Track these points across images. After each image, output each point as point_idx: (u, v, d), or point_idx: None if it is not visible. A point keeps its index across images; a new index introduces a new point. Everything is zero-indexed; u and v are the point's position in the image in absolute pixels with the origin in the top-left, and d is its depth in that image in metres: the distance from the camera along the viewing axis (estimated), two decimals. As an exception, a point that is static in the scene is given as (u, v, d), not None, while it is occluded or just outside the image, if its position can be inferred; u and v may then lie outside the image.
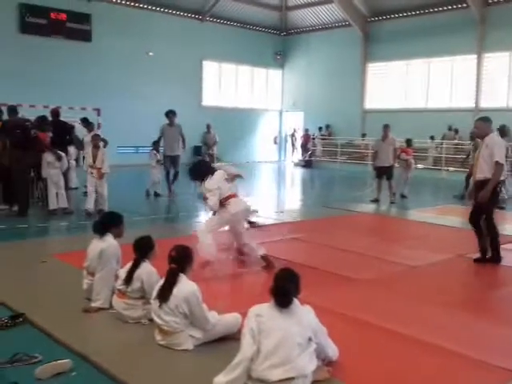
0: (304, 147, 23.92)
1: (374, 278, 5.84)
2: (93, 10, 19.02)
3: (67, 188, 10.15)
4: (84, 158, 10.85)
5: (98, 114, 17.96)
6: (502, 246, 6.66)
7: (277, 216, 10.11)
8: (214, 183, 5.75)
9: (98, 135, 9.83)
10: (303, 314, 3.25)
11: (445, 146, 19.11)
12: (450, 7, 19.65)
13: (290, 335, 3.07)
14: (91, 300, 4.49)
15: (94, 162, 9.26)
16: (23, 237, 7.63)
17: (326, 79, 23.77)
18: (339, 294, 5.26)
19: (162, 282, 3.85)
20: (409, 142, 13.51)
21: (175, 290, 3.72)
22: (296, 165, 24.10)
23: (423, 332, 4.19)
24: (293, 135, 26.00)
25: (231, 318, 3.93)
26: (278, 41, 25.67)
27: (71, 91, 17.84)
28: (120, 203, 9.39)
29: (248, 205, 6.10)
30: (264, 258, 5.98)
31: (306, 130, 24.20)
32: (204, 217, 7.49)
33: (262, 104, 25.90)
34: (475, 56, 19.27)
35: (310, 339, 3.17)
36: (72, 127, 11.85)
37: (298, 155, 25.23)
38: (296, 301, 3.23)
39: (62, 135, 10.28)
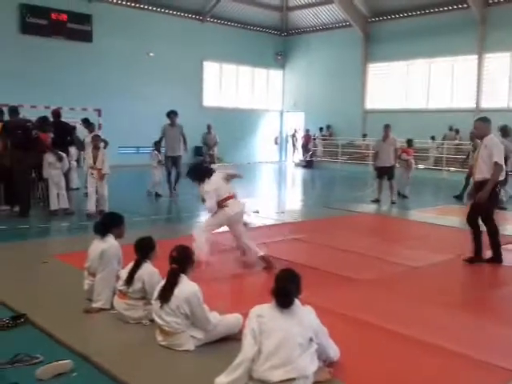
0: (305, 148, 23.92)
1: (374, 278, 5.84)
2: (93, 11, 19.04)
3: (68, 189, 10.15)
4: (84, 158, 10.85)
5: (99, 115, 17.97)
6: (502, 246, 6.66)
7: (278, 216, 10.11)
8: (212, 185, 5.81)
9: (98, 136, 9.83)
10: (304, 314, 3.25)
11: (446, 146, 19.12)
12: (450, 7, 19.64)
13: (291, 336, 3.07)
14: (92, 301, 4.49)
15: (95, 162, 9.26)
16: (24, 237, 7.63)
17: (326, 79, 23.77)
18: (340, 295, 5.26)
19: (163, 282, 3.85)
20: (409, 142, 13.53)
21: (176, 291, 3.73)
22: (297, 165, 24.10)
23: (424, 332, 4.18)
24: (293, 136, 26.00)
25: (232, 319, 3.93)
26: (278, 41, 25.68)
27: (72, 92, 17.86)
28: (121, 204, 9.40)
29: (244, 206, 6.12)
30: (263, 258, 5.99)
31: (307, 131, 24.21)
32: (204, 217, 7.50)
33: (263, 104, 25.90)
34: (476, 56, 19.26)
35: (311, 340, 3.16)
36: (73, 128, 11.87)
37: (298, 156, 25.23)
38: (297, 301, 3.23)
39: (63, 136, 10.28)
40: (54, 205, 9.35)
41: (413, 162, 13.60)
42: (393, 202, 11.82)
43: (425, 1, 20.04)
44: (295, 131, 25.95)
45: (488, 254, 6.62)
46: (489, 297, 5.58)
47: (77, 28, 18.75)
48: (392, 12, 21.46)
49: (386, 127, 12.06)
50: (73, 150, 11.22)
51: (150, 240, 4.42)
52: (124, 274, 4.29)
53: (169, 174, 12.04)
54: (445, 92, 20.32)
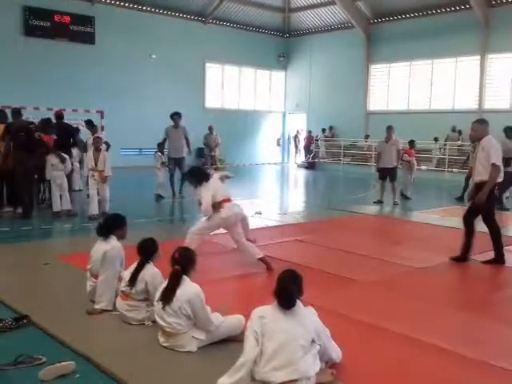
0: (307, 149, 23.93)
1: (377, 279, 5.84)
2: (96, 13, 19.09)
3: (71, 190, 10.18)
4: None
5: (102, 117, 18.02)
6: (505, 247, 6.66)
7: (280, 218, 10.11)
8: (209, 189, 5.87)
9: (99, 137, 9.84)
10: (306, 315, 3.25)
11: (448, 147, 19.09)
12: (453, 8, 19.62)
13: (293, 337, 3.07)
14: (95, 302, 4.50)
15: (96, 164, 9.26)
16: (27, 239, 7.65)
17: (329, 81, 23.77)
18: (342, 296, 5.26)
19: (165, 283, 3.86)
20: (411, 143, 13.52)
21: (178, 292, 3.73)
22: (299, 166, 24.12)
23: (426, 333, 4.18)
24: (296, 137, 26.01)
25: (234, 320, 3.93)
26: (280, 42, 25.69)
27: (75, 93, 17.92)
28: (123, 205, 9.41)
29: (240, 209, 6.16)
30: (262, 260, 6.00)
31: (309, 132, 24.21)
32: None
33: (265, 106, 25.91)
34: (478, 57, 19.24)
35: (313, 341, 3.16)
36: (76, 129, 11.92)
37: (301, 157, 25.24)
38: (299, 302, 3.23)
39: (65, 137, 10.32)
40: (56, 206, 9.37)
41: (415, 163, 13.60)
42: (395, 203, 11.82)
43: (427, 2, 20.02)
44: (297, 132, 25.95)
45: (490, 254, 6.61)
46: (490, 298, 5.57)
47: (79, 30, 18.82)
48: (394, 13, 21.45)
49: (389, 128, 12.07)
50: (75, 151, 11.26)
51: (153, 242, 4.43)
52: (127, 275, 4.30)
53: (171, 175, 12.05)
54: (447, 93, 20.29)
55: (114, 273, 4.53)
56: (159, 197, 11.84)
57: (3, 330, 4.06)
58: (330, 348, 3.41)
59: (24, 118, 10.29)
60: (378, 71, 22.71)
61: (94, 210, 9.19)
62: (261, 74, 25.44)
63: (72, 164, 10.21)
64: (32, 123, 9.92)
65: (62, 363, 3.42)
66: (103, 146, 9.79)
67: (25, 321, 4.20)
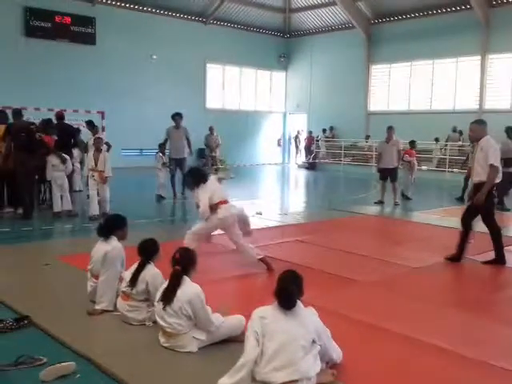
0: (308, 149, 23.93)
1: (377, 279, 5.85)
2: (97, 14, 19.10)
3: (71, 191, 10.19)
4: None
5: (103, 117, 18.04)
6: (505, 247, 6.66)
7: (281, 218, 10.11)
8: (206, 190, 5.90)
9: (100, 138, 9.85)
10: (307, 315, 3.25)
11: (449, 147, 19.09)
12: (453, 9, 19.62)
13: (294, 338, 3.07)
14: (95, 302, 4.50)
15: (96, 164, 9.26)
16: (28, 239, 7.65)
17: (329, 81, 23.77)
18: (343, 296, 5.26)
19: (165, 284, 3.86)
20: (412, 143, 13.52)
21: (179, 292, 3.74)
22: (300, 167, 24.12)
23: (427, 334, 4.18)
24: (296, 137, 26.01)
25: (235, 320, 3.93)
26: (281, 43, 25.69)
27: (76, 94, 17.93)
28: (124, 206, 9.41)
29: (237, 210, 6.17)
30: (262, 261, 6.02)
31: (310, 132, 24.21)
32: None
33: (266, 106, 25.92)
34: (479, 57, 19.23)
35: (313, 341, 3.16)
36: (77, 130, 11.93)
37: (301, 157, 25.24)
38: (299, 303, 3.23)
39: (66, 138, 10.32)
40: (57, 207, 9.38)
41: (416, 163, 13.60)
42: (396, 204, 11.82)
43: (428, 2, 20.02)
44: (298, 133, 25.95)
45: (491, 255, 6.61)
46: (491, 298, 5.57)
47: (80, 31, 18.83)
48: (395, 13, 21.44)
49: (389, 129, 12.07)
50: (76, 152, 11.27)
51: (154, 242, 4.43)
52: (127, 275, 4.31)
53: (173, 176, 12.05)
54: (448, 93, 20.29)
55: (115, 273, 4.53)
56: (160, 197, 11.84)
57: (4, 331, 4.07)
58: (330, 348, 3.41)
59: (25, 118, 10.31)
60: (378, 71, 22.71)
61: (94, 210, 9.20)
62: (261, 75, 25.45)
63: (73, 164, 10.22)
64: (33, 124, 9.93)
65: (63, 364, 3.42)
66: (104, 147, 9.79)
67: (25, 321, 4.21)
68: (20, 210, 9.26)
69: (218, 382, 3.12)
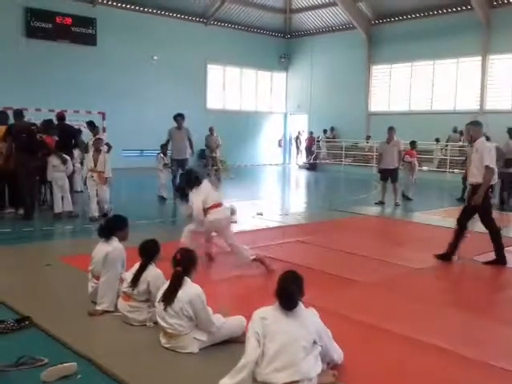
0: (308, 150, 23.93)
1: (378, 280, 5.85)
2: (98, 15, 19.11)
3: (72, 191, 10.19)
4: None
5: (103, 118, 18.05)
6: (506, 248, 6.66)
7: (281, 219, 10.11)
8: (199, 194, 5.96)
9: (99, 139, 9.85)
10: (308, 316, 3.25)
11: (450, 148, 19.08)
12: (454, 9, 19.63)
13: (295, 339, 3.07)
14: (96, 303, 4.51)
15: (95, 165, 9.27)
16: (29, 240, 7.65)
17: (330, 82, 23.78)
18: (343, 297, 5.27)
19: (166, 284, 3.87)
20: (413, 144, 13.52)
21: (180, 293, 3.74)
22: (300, 167, 24.13)
23: (428, 334, 4.18)
24: (297, 138, 26.01)
25: (236, 321, 3.93)
26: (282, 44, 25.70)
27: (76, 95, 17.95)
28: (124, 206, 9.42)
29: (228, 213, 6.17)
30: (258, 260, 6.03)
31: (311, 133, 24.21)
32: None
33: (267, 107, 25.93)
34: (480, 58, 19.24)
35: (314, 342, 3.16)
36: (78, 131, 11.94)
37: (302, 158, 25.24)
38: (300, 303, 3.23)
39: (67, 139, 10.33)
40: (58, 208, 9.38)
41: (416, 164, 13.59)
42: (397, 204, 11.81)
43: (429, 3, 20.02)
44: (299, 133, 25.95)
45: (492, 255, 6.61)
46: (491, 298, 5.58)
47: (81, 31, 18.85)
48: (395, 14, 21.45)
49: (390, 129, 12.07)
50: (77, 152, 11.27)
51: (155, 243, 4.44)
52: (129, 276, 4.31)
53: (174, 177, 12.05)
54: (449, 94, 20.30)
55: (116, 274, 4.53)
56: (162, 198, 11.85)
57: (5, 332, 4.07)
58: (331, 349, 3.41)
59: (26, 119, 10.30)
60: (379, 72, 22.72)
61: (94, 210, 9.19)
62: (262, 75, 25.46)
63: (73, 165, 10.22)
64: (34, 124, 9.94)
65: (64, 364, 3.43)
66: (104, 148, 9.79)
67: (27, 322, 4.21)
68: (21, 211, 9.27)
69: (219, 382, 3.12)
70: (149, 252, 4.35)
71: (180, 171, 11.94)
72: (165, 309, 3.75)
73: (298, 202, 13.62)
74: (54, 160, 9.45)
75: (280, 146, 26.58)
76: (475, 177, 6.39)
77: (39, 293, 5.06)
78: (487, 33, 18.91)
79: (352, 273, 6.04)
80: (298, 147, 26.05)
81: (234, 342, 3.82)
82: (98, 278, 4.59)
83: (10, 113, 9.86)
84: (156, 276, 4.22)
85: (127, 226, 4.84)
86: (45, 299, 4.86)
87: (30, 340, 3.98)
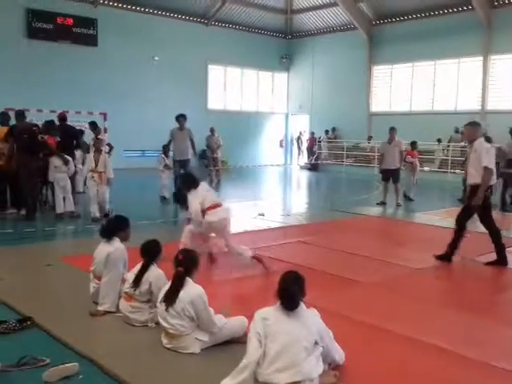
0: (310, 150, 23.93)
1: (379, 280, 5.84)
2: (99, 15, 19.14)
3: (74, 192, 10.20)
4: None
5: (105, 118, 18.02)
6: (508, 248, 6.65)
7: (283, 219, 10.11)
8: (197, 196, 6.01)
9: (100, 139, 9.86)
10: (309, 317, 3.25)
11: (451, 148, 19.07)
12: (455, 10, 19.61)
13: (296, 339, 3.07)
14: (98, 303, 4.51)
15: (96, 165, 9.27)
16: (31, 240, 7.66)
17: (331, 82, 23.78)
18: (345, 297, 5.26)
19: (168, 285, 3.87)
20: (413, 144, 13.51)
21: (182, 294, 3.74)
22: (302, 168, 24.13)
23: (429, 334, 4.18)
24: (299, 138, 26.01)
25: (237, 322, 3.94)
26: (283, 44, 25.71)
27: (78, 96, 17.95)
28: (126, 207, 9.41)
29: (226, 214, 6.20)
30: (256, 258, 6.06)
31: (312, 133, 24.21)
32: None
33: (268, 107, 25.93)
34: (481, 58, 19.23)
35: (316, 343, 3.16)
36: (80, 131, 11.95)
37: (303, 158, 25.23)
38: (302, 304, 3.23)
39: (69, 139, 10.34)
40: (59, 208, 9.39)
41: (417, 164, 13.59)
42: (398, 205, 11.81)
43: (429, 3, 20.01)
44: (300, 134, 25.95)
45: (493, 256, 6.61)
46: (492, 299, 5.57)
47: (82, 32, 18.87)
48: (396, 14, 21.44)
49: (392, 130, 12.06)
50: (78, 153, 11.28)
51: (156, 243, 4.44)
52: (130, 276, 4.31)
53: (176, 177, 12.03)
54: (450, 94, 20.28)
55: (118, 274, 4.54)
56: (164, 199, 11.85)
57: (7, 332, 4.07)
58: (332, 350, 3.41)
59: (27, 120, 10.31)
60: (380, 72, 22.71)
61: (95, 211, 9.20)
62: (263, 76, 25.46)
63: (75, 166, 10.23)
64: (35, 125, 9.95)
65: (66, 365, 3.43)
66: (105, 148, 9.80)
67: (28, 322, 4.21)
68: (23, 212, 9.28)
69: (220, 383, 3.12)
70: (151, 252, 4.35)
71: (182, 172, 11.95)
72: (166, 309, 3.75)
73: (299, 203, 13.62)
74: (55, 161, 9.46)
75: (281, 146, 26.58)
76: (473, 177, 6.38)
77: (41, 293, 5.07)
78: (488, 33, 18.89)
79: (353, 273, 6.04)
80: (299, 148, 26.06)
81: (235, 343, 3.82)
82: (99, 278, 4.60)
83: (12, 114, 9.90)
84: (158, 276, 4.23)
85: (129, 227, 4.84)
86: (46, 299, 4.87)
87: (31, 340, 3.99)
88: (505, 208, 11.45)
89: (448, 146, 19.24)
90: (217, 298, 4.35)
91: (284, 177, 21.95)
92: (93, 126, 11.83)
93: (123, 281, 4.47)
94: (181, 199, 6.48)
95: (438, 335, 4.20)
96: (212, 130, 16.87)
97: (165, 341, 3.81)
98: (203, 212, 5.96)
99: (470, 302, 5.33)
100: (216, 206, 6.07)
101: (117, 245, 4.63)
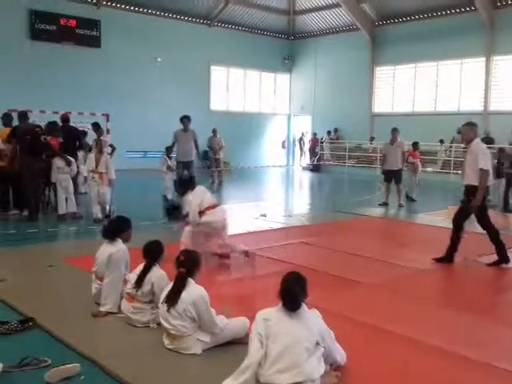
0: (312, 151, 23.92)
1: (381, 281, 5.84)
2: (102, 17, 19.17)
3: (76, 193, 10.21)
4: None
5: (107, 120, 18.09)
6: (509, 249, 6.64)
7: (285, 220, 10.11)
8: (194, 197, 6.13)
9: (101, 140, 9.87)
10: (311, 317, 3.25)
11: (454, 149, 19.04)
12: (458, 10, 19.58)
13: (298, 340, 3.07)
14: (100, 304, 4.52)
15: (97, 166, 9.28)
16: (33, 241, 7.68)
17: (334, 83, 23.77)
18: (347, 298, 5.26)
19: (170, 286, 3.87)
20: (415, 145, 13.49)
21: (183, 295, 3.74)
22: (304, 169, 24.12)
23: (431, 335, 4.18)
24: (301, 139, 26.01)
25: (239, 322, 3.94)
26: (285, 45, 25.71)
27: (80, 97, 17.99)
28: (128, 208, 9.42)
29: (222, 215, 6.31)
30: (245, 252, 6.25)
31: (314, 134, 24.20)
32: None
33: (270, 108, 25.93)
34: (484, 59, 19.20)
35: (317, 343, 3.16)
36: (83, 133, 11.97)
37: (306, 159, 25.22)
38: (304, 305, 3.23)
39: (71, 140, 10.36)
40: (62, 209, 9.41)
41: (419, 164, 13.57)
42: (400, 206, 11.80)
43: (432, 4, 19.98)
44: (302, 135, 25.95)
45: (495, 257, 6.60)
46: (494, 300, 5.57)
47: (85, 33, 18.90)
48: (399, 15, 21.42)
49: (394, 130, 12.05)
50: (81, 154, 11.29)
51: (158, 244, 4.44)
52: (133, 277, 4.31)
53: (179, 178, 12.02)
54: (453, 95, 20.25)
55: (120, 275, 4.54)
56: (166, 199, 11.85)
57: (9, 333, 4.08)
58: (334, 350, 3.41)
59: (30, 121, 10.34)
60: (382, 73, 22.69)
61: (97, 212, 9.20)
62: (266, 77, 25.46)
63: (78, 167, 10.24)
64: (38, 126, 9.97)
65: (67, 365, 3.43)
66: (108, 149, 9.81)
67: (30, 323, 4.22)
68: (25, 212, 9.30)
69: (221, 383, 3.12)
70: (153, 253, 4.35)
71: (186, 173, 11.93)
72: (168, 310, 3.75)
73: (301, 204, 13.61)
74: (58, 162, 9.48)
75: (283, 147, 26.57)
76: (469, 178, 6.38)
77: (43, 294, 5.07)
78: (491, 34, 18.86)
79: (355, 274, 6.03)
80: (301, 148, 26.06)
81: (237, 343, 3.82)
82: (101, 279, 4.60)
83: (15, 115, 9.92)
84: (160, 277, 4.23)
85: (131, 228, 4.85)
86: (48, 300, 4.87)
87: (33, 341, 3.99)
88: (507, 208, 11.43)
89: (450, 146, 19.21)
90: (218, 298, 4.34)
91: (286, 178, 21.94)
92: (95, 126, 11.82)
93: (125, 282, 4.48)
94: (180, 189, 6.57)
95: (439, 336, 4.19)
96: (214, 131, 16.88)
97: (166, 342, 3.82)
98: (202, 213, 6.04)
99: (472, 303, 5.31)
100: (215, 206, 6.20)
101: (119, 246, 4.64)
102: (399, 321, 4.55)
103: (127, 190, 13.00)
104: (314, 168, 23.14)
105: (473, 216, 6.58)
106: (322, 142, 23.83)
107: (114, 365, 3.52)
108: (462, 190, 6.63)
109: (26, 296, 4.96)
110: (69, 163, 9.54)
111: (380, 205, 11.92)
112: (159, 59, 20.81)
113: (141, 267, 4.33)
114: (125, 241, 4.73)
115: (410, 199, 12.67)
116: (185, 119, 11.76)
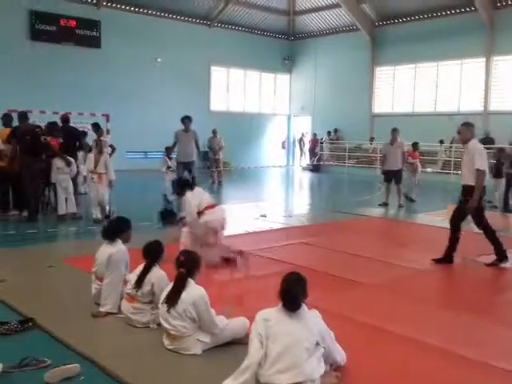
0: (312, 151, 23.93)
1: (381, 281, 5.84)
2: (102, 17, 19.18)
3: (76, 193, 10.21)
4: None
5: (107, 120, 18.09)
6: (509, 250, 6.64)
7: (285, 220, 10.11)
8: (193, 198, 6.17)
9: (101, 140, 9.87)
10: (311, 318, 3.25)
11: (454, 149, 19.04)
12: (458, 11, 19.59)
13: (298, 340, 3.07)
14: (100, 305, 4.52)
15: (96, 167, 9.28)
16: (33, 242, 7.68)
17: (334, 83, 23.77)
18: (347, 298, 5.26)
19: (170, 286, 3.87)
20: (415, 145, 13.50)
21: (183, 295, 3.74)
22: (304, 169, 24.12)
23: (430, 335, 4.18)
24: (301, 140, 26.01)
25: (239, 323, 3.94)
26: (285, 45, 25.71)
27: (81, 97, 18.00)
28: (128, 208, 9.42)
29: (221, 215, 6.32)
30: (239, 252, 6.25)
31: (314, 135, 24.21)
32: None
33: (270, 108, 25.93)
34: (484, 59, 19.20)
35: (317, 344, 3.16)
36: (83, 133, 11.98)
37: (306, 159, 25.23)
38: (304, 305, 3.23)
39: (71, 141, 10.36)
40: (62, 209, 9.41)
41: (419, 165, 13.57)
42: (400, 206, 11.80)
43: (432, 4, 19.99)
44: (302, 135, 25.95)
45: (494, 257, 6.60)
46: (493, 300, 5.57)
47: (85, 34, 18.91)
48: (399, 15, 21.43)
49: (394, 131, 12.06)
50: (81, 154, 11.29)
51: (158, 244, 4.44)
52: (133, 277, 4.31)
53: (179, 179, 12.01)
54: (453, 95, 20.26)
55: (119, 276, 4.54)
56: (167, 199, 11.84)
57: (8, 333, 4.08)
58: (334, 351, 3.41)
59: (30, 121, 10.34)
60: (382, 73, 22.70)
61: (96, 212, 9.20)
62: (266, 77, 25.46)
63: (77, 167, 10.24)
64: (38, 127, 9.97)
65: (67, 366, 3.43)
66: (107, 149, 9.80)
67: (30, 323, 4.22)
68: (25, 213, 9.29)
69: (221, 384, 3.13)
70: (153, 253, 4.35)
71: (187, 173, 11.91)
72: (168, 310, 3.75)
73: (301, 204, 13.61)
74: (58, 162, 9.48)
75: (283, 147, 26.57)
76: (466, 178, 6.39)
77: (43, 294, 5.07)
78: (491, 34, 18.86)
79: (355, 274, 6.03)
80: (301, 149, 26.07)
81: (237, 344, 3.82)
82: (101, 279, 4.61)
83: (15, 115, 9.91)
84: (160, 277, 4.23)
85: (130, 228, 4.86)
86: (48, 301, 4.87)
87: (33, 341, 3.99)
88: (507, 208, 11.42)
89: (450, 147, 19.21)
90: (218, 298, 4.34)
91: (286, 178, 21.95)
92: (96, 127, 11.82)
93: (125, 282, 4.48)
94: (178, 190, 6.61)
95: (439, 336, 4.20)
96: (214, 132, 16.89)
97: (166, 342, 3.82)
98: (201, 213, 6.07)
99: (471, 303, 5.32)
100: (213, 206, 6.23)
101: (119, 246, 4.64)
102: (399, 321, 4.55)
103: (127, 190, 12.99)
104: (314, 168, 23.14)
105: (469, 217, 6.58)
106: (321, 143, 23.84)
107: (114, 365, 3.52)
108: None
109: (26, 296, 4.96)
110: (69, 164, 9.54)
111: (380, 205, 11.92)
112: (159, 60, 20.81)
113: (141, 268, 4.33)
114: (125, 241, 4.73)
115: (409, 199, 12.66)
116: (186, 120, 11.75)
